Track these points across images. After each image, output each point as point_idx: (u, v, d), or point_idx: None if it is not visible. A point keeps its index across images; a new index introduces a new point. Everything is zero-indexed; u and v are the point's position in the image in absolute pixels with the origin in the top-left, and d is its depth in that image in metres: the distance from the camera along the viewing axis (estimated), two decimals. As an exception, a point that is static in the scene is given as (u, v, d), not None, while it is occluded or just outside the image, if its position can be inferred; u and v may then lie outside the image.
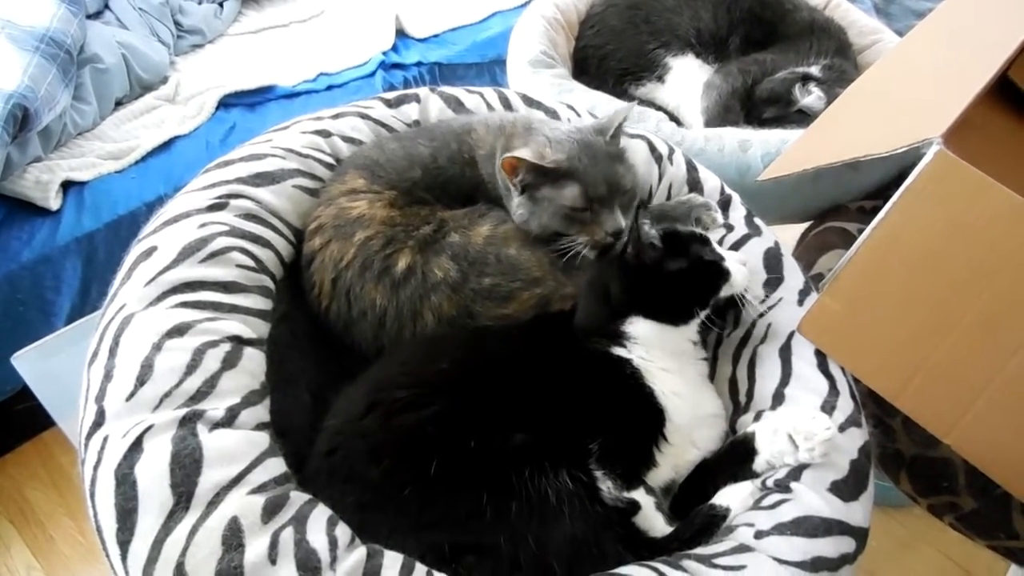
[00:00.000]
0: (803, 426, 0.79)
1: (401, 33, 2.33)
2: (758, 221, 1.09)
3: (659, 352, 0.87)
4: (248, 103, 2.05)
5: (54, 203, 1.68)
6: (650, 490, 0.80)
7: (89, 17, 2.03)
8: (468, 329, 0.92)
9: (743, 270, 0.88)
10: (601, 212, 0.97)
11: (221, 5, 2.43)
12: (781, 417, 0.82)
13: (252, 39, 2.40)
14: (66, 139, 1.84)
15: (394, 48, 2.28)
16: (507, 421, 0.77)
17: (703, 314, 0.87)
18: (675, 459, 0.84)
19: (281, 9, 2.57)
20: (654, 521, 0.79)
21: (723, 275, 0.87)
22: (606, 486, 0.79)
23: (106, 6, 2.17)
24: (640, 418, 0.83)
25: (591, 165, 0.97)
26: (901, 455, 1.05)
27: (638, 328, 0.87)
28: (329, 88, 2.14)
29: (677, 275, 0.86)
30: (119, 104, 2.01)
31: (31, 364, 1.19)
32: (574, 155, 0.97)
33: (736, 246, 1.04)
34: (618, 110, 1.06)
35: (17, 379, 1.59)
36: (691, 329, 0.89)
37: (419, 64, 2.26)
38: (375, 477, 0.74)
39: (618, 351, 0.87)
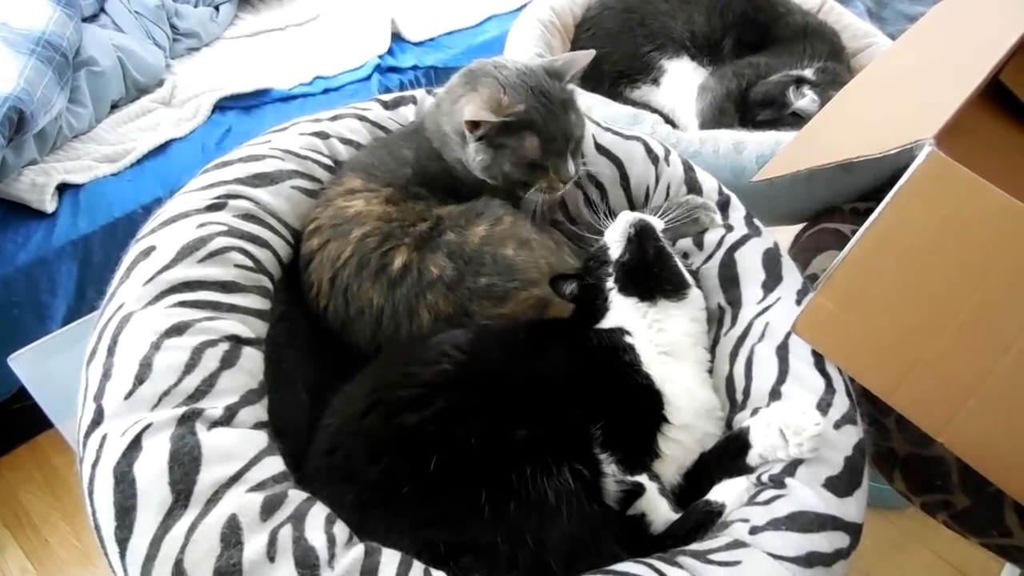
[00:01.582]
0: (793, 421, 0.80)
1: (397, 37, 2.33)
2: (757, 221, 1.09)
3: (652, 337, 0.90)
4: (244, 106, 2.06)
5: (50, 206, 1.68)
6: (654, 476, 0.81)
7: (85, 20, 2.03)
8: (468, 327, 0.92)
9: (614, 228, 0.95)
10: (556, 161, 1.01)
11: (217, 8, 2.43)
12: (774, 411, 0.83)
13: (248, 42, 2.40)
14: (62, 142, 1.83)
15: (390, 52, 2.28)
16: (509, 417, 0.78)
17: (611, 283, 0.93)
18: (681, 456, 0.85)
19: (277, 13, 2.57)
20: (658, 504, 0.79)
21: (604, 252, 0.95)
22: (611, 469, 0.79)
23: (102, 9, 2.17)
24: (640, 401, 0.84)
25: (548, 116, 0.99)
26: (895, 453, 1.05)
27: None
28: (325, 91, 2.14)
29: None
30: (115, 107, 2.00)
31: (28, 365, 1.19)
32: (531, 104, 0.98)
33: (735, 246, 1.04)
34: (576, 56, 1.07)
35: (12, 382, 1.59)
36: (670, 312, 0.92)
37: (415, 68, 2.27)
38: (374, 475, 0.75)
39: (620, 338, 0.89)
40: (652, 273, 0.92)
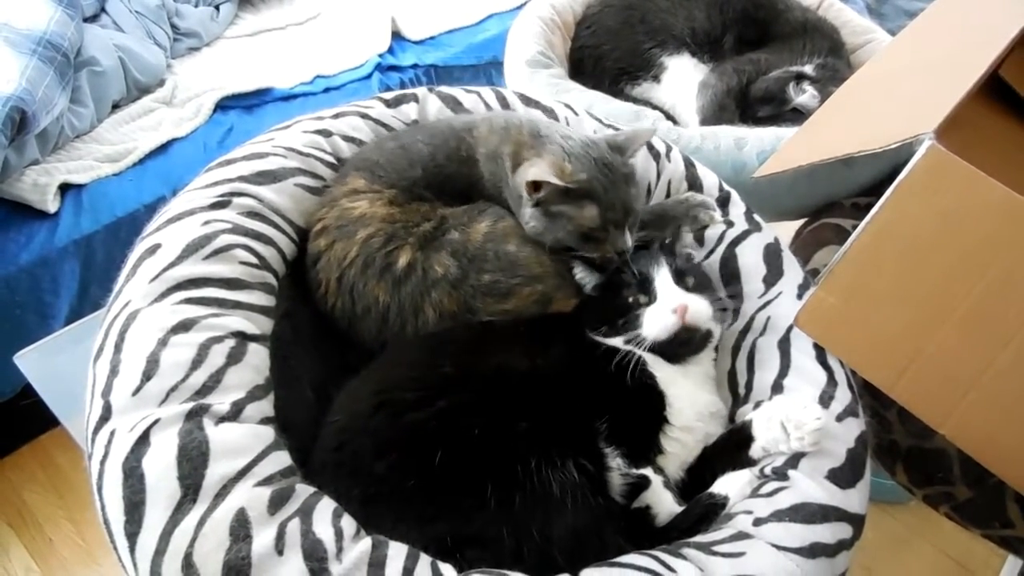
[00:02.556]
0: (794, 415, 0.80)
1: (397, 35, 2.34)
2: (757, 217, 1.10)
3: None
4: (245, 105, 2.06)
5: (52, 206, 1.68)
6: (659, 469, 0.82)
7: (85, 20, 2.03)
8: (472, 324, 0.93)
9: (659, 320, 0.87)
10: (613, 232, 0.97)
11: (217, 8, 2.43)
12: (776, 405, 0.83)
13: (249, 42, 2.41)
14: (63, 142, 1.84)
15: (390, 50, 2.29)
16: (513, 412, 0.78)
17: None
18: (683, 453, 0.85)
19: (277, 12, 2.57)
20: (663, 496, 0.80)
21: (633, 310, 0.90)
22: (616, 463, 0.80)
23: (103, 9, 2.18)
24: (643, 400, 0.85)
25: (609, 187, 0.97)
26: (897, 446, 1.06)
27: None
28: (326, 90, 2.15)
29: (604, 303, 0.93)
30: (116, 107, 2.01)
31: (34, 363, 1.20)
32: (594, 175, 0.96)
33: (736, 242, 1.05)
34: (639, 132, 1.06)
35: (16, 381, 1.60)
36: None
37: (415, 66, 2.28)
38: (380, 470, 0.75)
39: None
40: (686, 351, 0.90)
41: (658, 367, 0.88)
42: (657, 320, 0.87)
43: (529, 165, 0.97)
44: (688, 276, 0.92)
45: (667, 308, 0.87)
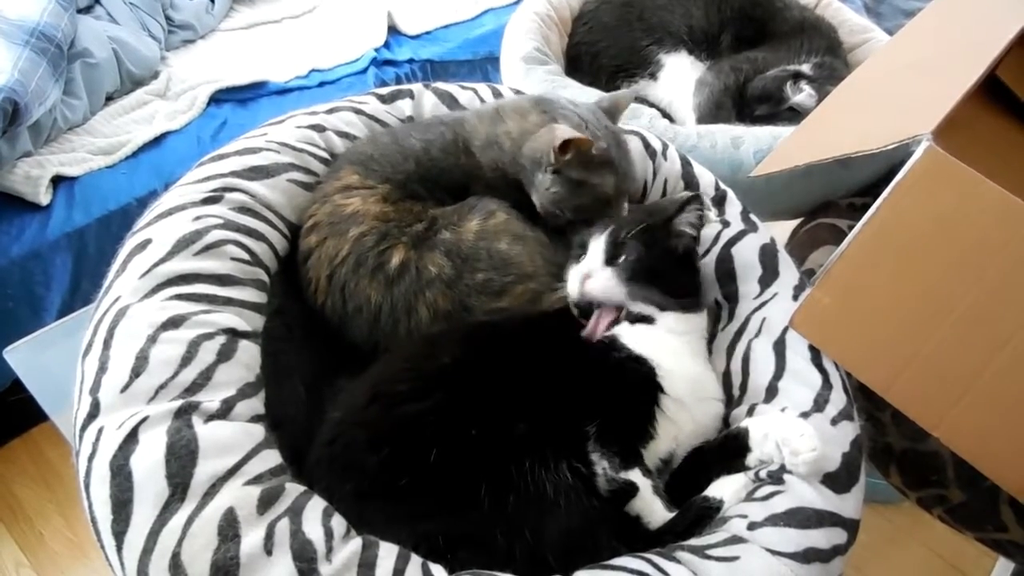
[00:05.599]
0: (791, 441, 0.78)
1: (393, 30, 2.33)
2: (754, 217, 1.09)
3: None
4: (240, 99, 2.05)
5: (44, 198, 1.67)
6: (647, 472, 0.80)
7: (79, 11, 2.02)
8: (467, 323, 0.92)
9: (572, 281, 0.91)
10: (624, 201, 1.01)
11: (212, 1, 2.42)
12: (774, 424, 0.81)
13: (244, 35, 2.40)
14: (56, 134, 1.83)
15: (386, 45, 2.29)
16: (508, 412, 0.78)
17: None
18: (675, 430, 0.84)
19: (273, 5, 2.57)
20: (652, 504, 0.79)
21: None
22: (602, 468, 0.78)
23: (96, 1, 2.16)
24: (635, 386, 0.84)
25: (623, 157, 1.01)
26: (891, 449, 1.06)
27: None
28: (321, 84, 2.14)
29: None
30: (110, 99, 2.00)
31: (24, 358, 1.19)
32: (611, 143, 0.99)
33: (732, 242, 1.04)
34: (620, 95, 1.09)
35: (5, 375, 1.59)
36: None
37: (411, 61, 2.27)
38: (373, 466, 0.74)
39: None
40: None
41: (641, 342, 0.87)
42: (572, 280, 0.91)
43: (550, 130, 0.97)
44: (630, 252, 0.89)
45: (577, 274, 0.90)
